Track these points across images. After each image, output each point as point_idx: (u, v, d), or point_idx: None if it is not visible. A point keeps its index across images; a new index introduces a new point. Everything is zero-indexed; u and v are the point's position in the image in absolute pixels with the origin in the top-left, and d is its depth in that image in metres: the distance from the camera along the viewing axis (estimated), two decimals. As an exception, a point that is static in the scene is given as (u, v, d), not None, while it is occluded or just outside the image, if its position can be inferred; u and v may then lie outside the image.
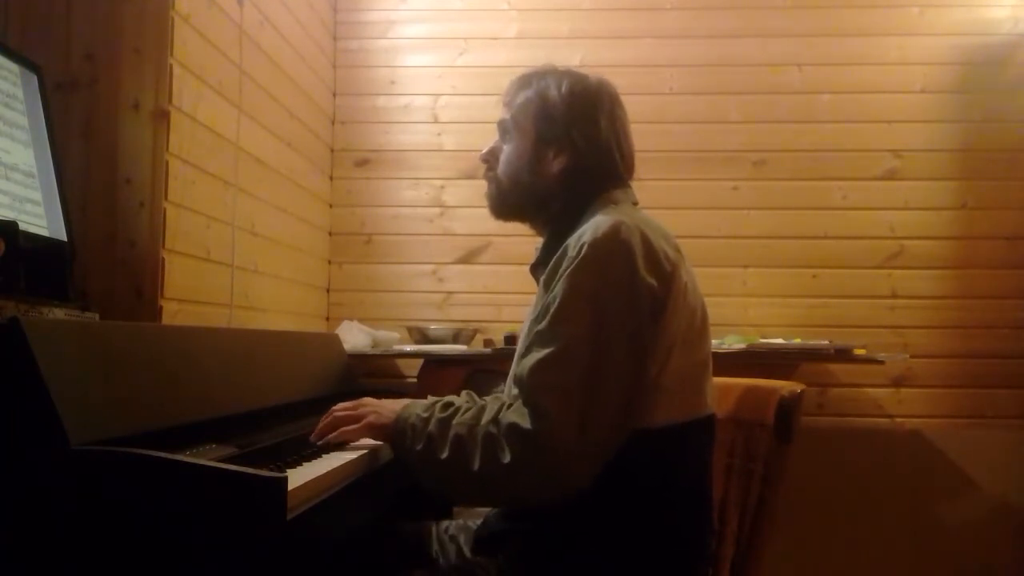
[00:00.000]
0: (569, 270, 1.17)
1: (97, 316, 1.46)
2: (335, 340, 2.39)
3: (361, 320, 2.82)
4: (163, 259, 1.74)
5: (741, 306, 2.91)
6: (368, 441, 1.33)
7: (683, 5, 3.01)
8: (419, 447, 1.19)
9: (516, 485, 1.14)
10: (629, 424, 1.16)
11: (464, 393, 1.42)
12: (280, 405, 1.63)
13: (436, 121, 3.04)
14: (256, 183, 2.27)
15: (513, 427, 1.12)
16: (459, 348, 2.65)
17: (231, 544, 0.93)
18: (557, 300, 1.16)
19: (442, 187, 3.03)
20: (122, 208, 1.72)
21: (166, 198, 1.75)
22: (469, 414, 1.19)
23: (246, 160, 2.19)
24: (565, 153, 1.34)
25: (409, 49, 3.07)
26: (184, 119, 1.83)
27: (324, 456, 1.27)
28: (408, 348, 2.68)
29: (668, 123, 2.96)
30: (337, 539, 1.20)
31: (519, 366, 1.19)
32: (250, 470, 0.95)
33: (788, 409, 1.33)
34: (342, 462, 1.23)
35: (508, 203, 1.40)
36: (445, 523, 1.49)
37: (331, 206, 3.03)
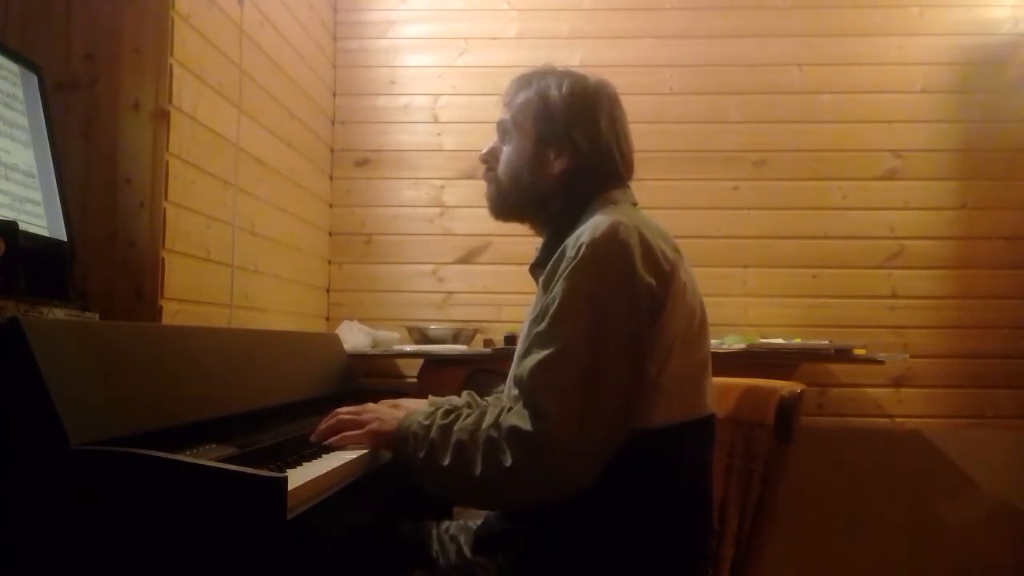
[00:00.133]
0: (568, 271, 1.17)
1: (97, 316, 1.46)
2: (335, 340, 2.39)
3: (361, 320, 2.82)
4: (163, 259, 1.74)
5: (741, 306, 2.91)
6: (368, 442, 1.33)
7: (683, 5, 3.01)
8: (421, 454, 1.19)
9: (518, 487, 1.14)
10: (629, 424, 1.16)
11: (465, 393, 1.43)
12: (280, 405, 1.63)
13: (436, 121, 3.04)
14: (256, 183, 2.27)
15: (514, 429, 1.12)
16: (459, 348, 2.65)
17: (231, 544, 0.93)
18: (556, 301, 1.16)
19: (442, 187, 3.03)
20: (122, 208, 1.72)
21: (166, 198, 1.75)
22: (470, 420, 1.19)
23: (246, 160, 2.19)
24: (566, 154, 1.34)
25: (409, 49, 3.07)
26: (184, 119, 1.83)
27: (324, 456, 1.27)
28: (408, 348, 2.68)
29: (668, 123, 2.97)
30: (337, 539, 1.20)
31: (519, 367, 1.19)
32: (250, 470, 0.95)
33: (788, 409, 1.33)
34: (342, 462, 1.23)
35: (508, 203, 1.40)
36: (445, 523, 1.49)
37: (331, 206, 3.03)
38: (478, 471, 1.13)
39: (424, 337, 2.71)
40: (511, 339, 2.58)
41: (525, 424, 1.11)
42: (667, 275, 1.19)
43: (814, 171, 2.94)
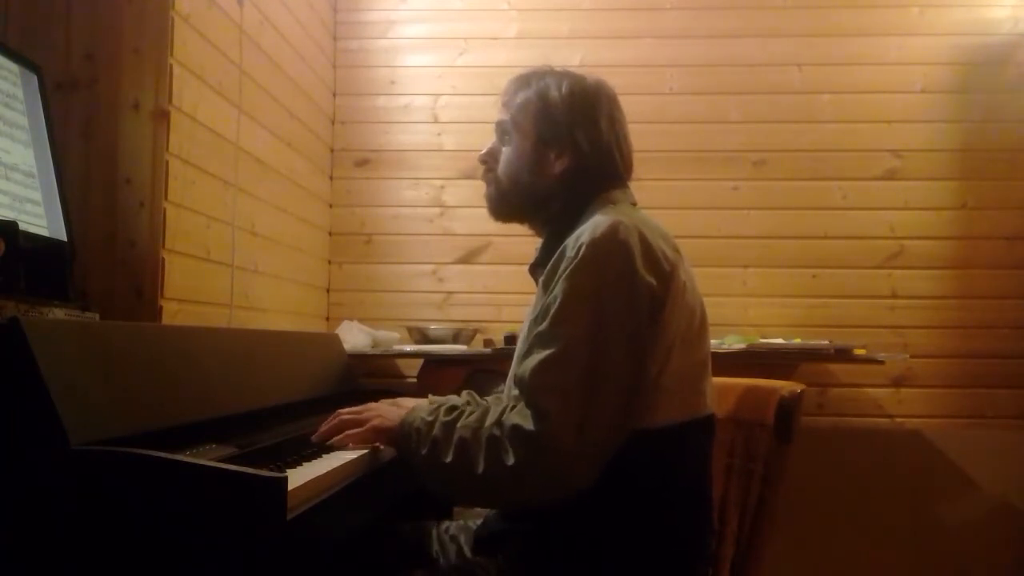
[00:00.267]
0: (568, 271, 1.17)
1: (97, 316, 1.46)
2: (335, 340, 2.39)
3: (361, 320, 2.82)
4: (163, 259, 1.74)
5: (741, 306, 2.91)
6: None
7: (683, 5, 3.01)
8: (424, 451, 1.19)
9: (520, 487, 1.14)
10: (629, 424, 1.16)
11: (465, 393, 1.43)
12: (280, 405, 1.63)
13: (436, 121, 3.04)
14: (256, 183, 2.27)
15: (516, 429, 1.12)
16: (459, 348, 2.65)
17: (231, 544, 0.93)
18: (556, 301, 1.16)
19: (442, 187, 3.03)
20: (122, 208, 1.72)
21: (166, 198, 1.75)
22: (473, 417, 1.19)
23: (246, 160, 2.19)
24: (567, 154, 1.34)
25: (409, 49, 3.07)
26: (184, 119, 1.83)
27: (324, 456, 1.27)
28: (408, 348, 2.68)
29: (668, 123, 2.97)
30: (337, 539, 1.20)
31: (520, 367, 1.19)
32: (250, 470, 0.96)
33: (788, 409, 1.33)
34: (342, 462, 1.23)
35: (508, 204, 1.40)
36: (445, 523, 1.49)
37: (331, 206, 3.03)
38: (480, 469, 1.13)
39: (424, 337, 2.71)
40: (511, 339, 2.58)
41: (528, 424, 1.12)
42: (667, 275, 1.19)
43: (814, 171, 2.94)
